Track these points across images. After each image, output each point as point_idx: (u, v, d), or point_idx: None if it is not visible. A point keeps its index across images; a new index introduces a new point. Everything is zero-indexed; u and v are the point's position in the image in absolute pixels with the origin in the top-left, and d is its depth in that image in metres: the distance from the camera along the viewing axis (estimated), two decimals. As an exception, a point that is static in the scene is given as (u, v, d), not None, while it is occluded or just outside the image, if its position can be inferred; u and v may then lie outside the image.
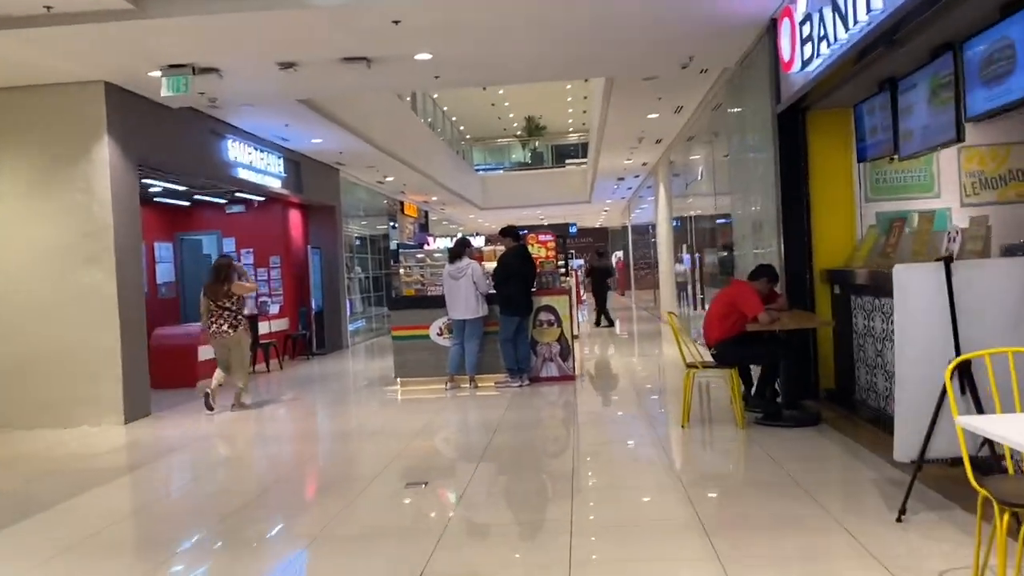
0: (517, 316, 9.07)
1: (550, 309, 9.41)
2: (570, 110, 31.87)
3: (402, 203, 20.60)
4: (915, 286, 4.09)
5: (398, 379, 9.65)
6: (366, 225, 17.86)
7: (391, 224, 19.99)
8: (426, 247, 13.28)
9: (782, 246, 7.29)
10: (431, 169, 17.55)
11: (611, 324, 16.90)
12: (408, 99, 16.77)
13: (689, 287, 13.69)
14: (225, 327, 8.52)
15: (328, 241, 15.35)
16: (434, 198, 21.62)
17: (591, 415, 7.87)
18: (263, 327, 12.45)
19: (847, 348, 6.72)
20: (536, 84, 28.50)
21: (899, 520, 3.95)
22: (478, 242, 13.25)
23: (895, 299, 4.13)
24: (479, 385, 9.26)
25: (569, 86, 28.58)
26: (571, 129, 33.02)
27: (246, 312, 12.14)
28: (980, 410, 3.74)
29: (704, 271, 12.43)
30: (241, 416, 8.46)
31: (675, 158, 14.76)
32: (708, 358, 6.80)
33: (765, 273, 6.79)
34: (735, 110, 9.27)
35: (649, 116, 11.94)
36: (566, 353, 9.43)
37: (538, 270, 9.55)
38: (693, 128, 12.49)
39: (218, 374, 8.67)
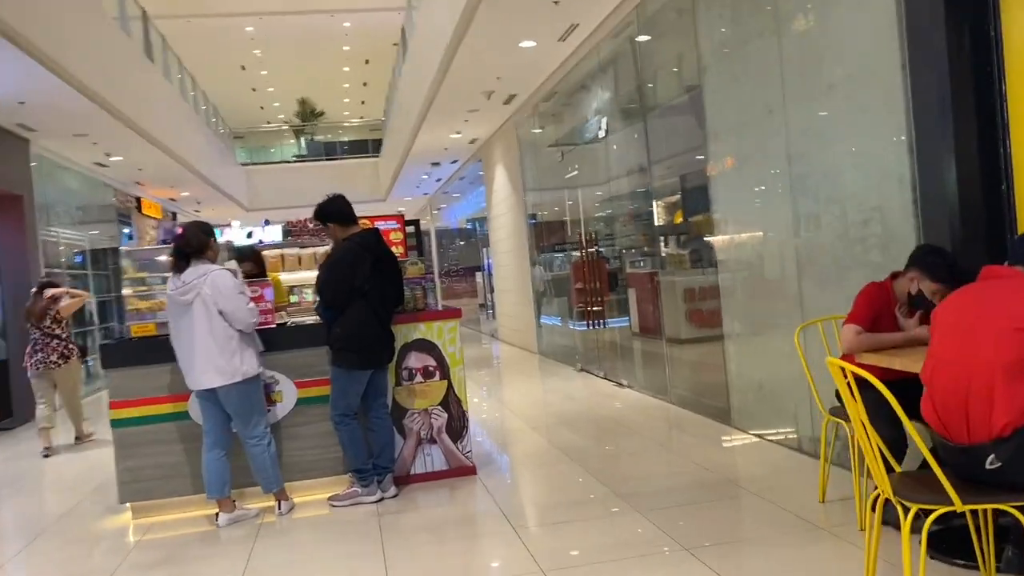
0: (367, 368, 4.71)
1: (426, 347, 5.07)
2: (347, 99, 27.32)
3: (139, 199, 15.06)
4: None
5: (128, 504, 4.90)
6: (84, 231, 12.29)
7: (125, 230, 14.41)
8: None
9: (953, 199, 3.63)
10: (181, 147, 12.42)
11: None
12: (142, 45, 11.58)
13: (574, 297, 9.94)
14: (54, 358, 7.23)
15: (15, 253, 9.88)
16: (185, 194, 16.24)
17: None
18: None
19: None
20: (305, 68, 24.10)
21: None
22: (271, 235, 8.20)
23: None
24: (295, 504, 4.80)
25: (347, 68, 24.16)
26: (346, 123, 28.39)
27: None
28: None
29: (597, 274, 8.73)
30: None
31: (531, 123, 10.97)
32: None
33: None
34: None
35: (522, 44, 8.02)
36: (459, 426, 5.13)
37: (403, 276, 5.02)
38: (572, 75, 8.77)
39: (43, 412, 7.21)
